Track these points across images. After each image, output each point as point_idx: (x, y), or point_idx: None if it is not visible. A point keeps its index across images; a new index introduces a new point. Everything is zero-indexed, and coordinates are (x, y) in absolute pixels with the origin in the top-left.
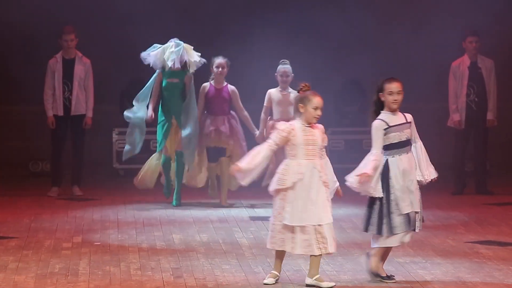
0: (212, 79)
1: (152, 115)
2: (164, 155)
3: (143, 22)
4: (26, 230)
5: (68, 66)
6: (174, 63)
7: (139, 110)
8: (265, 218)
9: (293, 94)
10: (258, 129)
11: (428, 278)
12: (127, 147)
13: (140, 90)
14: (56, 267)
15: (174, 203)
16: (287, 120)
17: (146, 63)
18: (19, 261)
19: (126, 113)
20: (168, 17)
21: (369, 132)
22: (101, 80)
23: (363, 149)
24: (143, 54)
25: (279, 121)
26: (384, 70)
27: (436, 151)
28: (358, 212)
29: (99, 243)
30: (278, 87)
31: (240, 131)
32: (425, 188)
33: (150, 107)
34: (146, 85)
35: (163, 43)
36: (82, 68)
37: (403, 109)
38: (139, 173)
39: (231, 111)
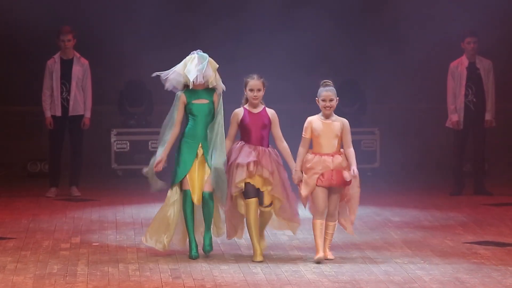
0: (246, 103)
1: (161, 162)
2: (185, 190)
3: (142, 22)
4: (24, 231)
5: (66, 67)
6: (197, 78)
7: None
8: None
9: (338, 122)
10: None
11: (426, 278)
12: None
13: (137, 91)
14: (55, 268)
15: (206, 249)
16: (329, 155)
17: (166, 87)
18: (17, 262)
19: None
20: (166, 16)
21: (367, 133)
22: (100, 81)
23: (362, 149)
24: (163, 75)
25: (319, 155)
26: (382, 70)
27: (434, 152)
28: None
29: (97, 244)
30: (320, 114)
31: (284, 171)
32: (424, 189)
33: (164, 150)
34: (169, 114)
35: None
36: (80, 68)
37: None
38: (150, 225)
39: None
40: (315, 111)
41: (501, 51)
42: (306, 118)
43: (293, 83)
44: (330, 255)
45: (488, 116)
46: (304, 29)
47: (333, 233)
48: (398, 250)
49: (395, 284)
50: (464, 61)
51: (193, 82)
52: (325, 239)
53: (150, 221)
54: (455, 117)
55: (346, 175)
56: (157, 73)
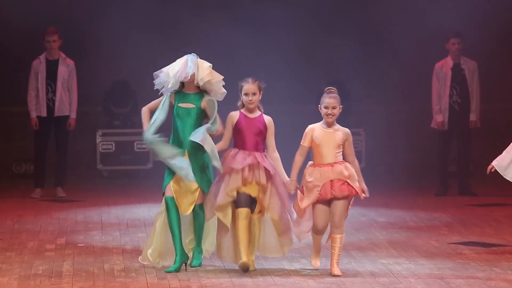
0: (242, 107)
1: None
2: (166, 197)
3: (127, 22)
4: (9, 232)
5: (52, 67)
6: (177, 73)
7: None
8: None
9: (340, 132)
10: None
11: (411, 279)
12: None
13: (122, 91)
14: (40, 269)
15: (194, 263)
16: (329, 165)
17: (161, 90)
18: (2, 263)
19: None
20: (152, 16)
21: (353, 134)
22: (85, 81)
23: None
24: (157, 84)
25: (318, 166)
26: (367, 71)
27: (419, 152)
28: None
29: (82, 245)
30: (322, 122)
31: (278, 177)
32: (409, 190)
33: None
34: (156, 113)
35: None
36: (66, 69)
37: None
38: (145, 245)
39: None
40: (302, 111)
41: (485, 52)
42: (290, 119)
43: (278, 84)
44: (337, 271)
45: (472, 117)
46: (290, 30)
47: (340, 247)
48: (384, 251)
49: (380, 285)
50: (449, 61)
51: (179, 79)
52: (332, 253)
53: (135, 221)
54: (439, 117)
55: (362, 194)
56: (157, 86)
